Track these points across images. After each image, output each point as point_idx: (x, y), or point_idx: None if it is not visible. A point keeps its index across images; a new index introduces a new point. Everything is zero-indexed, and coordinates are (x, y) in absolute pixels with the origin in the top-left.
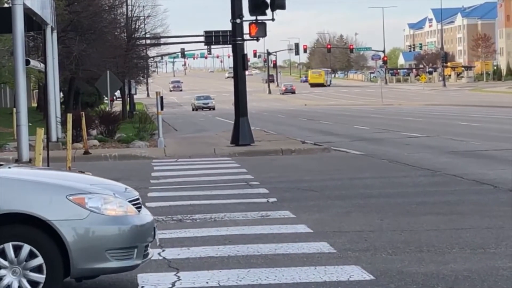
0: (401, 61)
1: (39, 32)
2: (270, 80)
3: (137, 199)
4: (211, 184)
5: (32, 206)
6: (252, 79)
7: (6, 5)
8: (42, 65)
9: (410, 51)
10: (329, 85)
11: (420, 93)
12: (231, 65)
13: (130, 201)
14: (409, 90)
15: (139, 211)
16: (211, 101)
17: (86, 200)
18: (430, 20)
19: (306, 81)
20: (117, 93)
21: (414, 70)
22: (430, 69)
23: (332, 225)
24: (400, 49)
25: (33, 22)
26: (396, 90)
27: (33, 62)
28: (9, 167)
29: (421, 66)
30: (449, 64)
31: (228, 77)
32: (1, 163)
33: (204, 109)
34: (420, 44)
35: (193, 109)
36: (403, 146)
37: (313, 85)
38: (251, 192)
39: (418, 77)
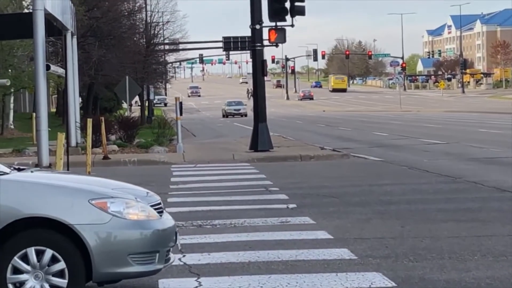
0: (419, 67)
1: (59, 38)
2: (278, 85)
3: (159, 203)
4: (230, 190)
5: (54, 210)
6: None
7: (26, 10)
8: (62, 70)
9: (429, 57)
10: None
11: (439, 100)
12: (249, 70)
13: (152, 206)
14: (427, 96)
15: (160, 215)
16: (243, 107)
17: (108, 204)
18: (449, 26)
19: (316, 86)
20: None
21: (432, 76)
22: (449, 76)
23: (353, 231)
24: (419, 55)
25: (53, 27)
26: (414, 97)
27: (53, 67)
28: (31, 171)
29: (440, 72)
30: (468, 70)
31: (242, 82)
32: (23, 167)
33: (235, 116)
34: (439, 50)
35: (223, 116)
36: (422, 153)
37: (335, 90)
38: (270, 198)
39: (437, 83)
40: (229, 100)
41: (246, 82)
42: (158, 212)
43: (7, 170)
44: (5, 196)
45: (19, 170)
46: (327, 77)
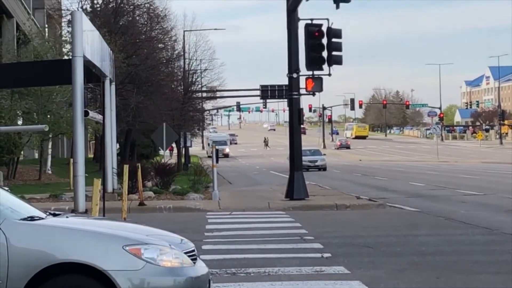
0: (457, 118)
1: (98, 84)
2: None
3: (193, 250)
4: (265, 238)
5: (88, 255)
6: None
7: (66, 57)
8: (100, 116)
9: (466, 108)
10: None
11: (477, 151)
12: (286, 119)
13: (185, 253)
14: (465, 147)
15: (194, 263)
16: (321, 157)
17: (142, 250)
18: (487, 77)
19: (333, 133)
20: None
21: (470, 127)
22: (487, 127)
23: (387, 282)
24: (457, 106)
25: (92, 74)
26: (452, 147)
27: (91, 114)
28: (67, 217)
29: (477, 123)
30: (506, 122)
31: (270, 129)
32: (59, 212)
33: (310, 169)
34: (477, 101)
35: None
36: (459, 204)
37: (357, 137)
38: (305, 247)
39: (475, 134)
40: (302, 149)
41: (274, 129)
42: (192, 259)
43: (42, 215)
44: (40, 241)
45: (54, 215)
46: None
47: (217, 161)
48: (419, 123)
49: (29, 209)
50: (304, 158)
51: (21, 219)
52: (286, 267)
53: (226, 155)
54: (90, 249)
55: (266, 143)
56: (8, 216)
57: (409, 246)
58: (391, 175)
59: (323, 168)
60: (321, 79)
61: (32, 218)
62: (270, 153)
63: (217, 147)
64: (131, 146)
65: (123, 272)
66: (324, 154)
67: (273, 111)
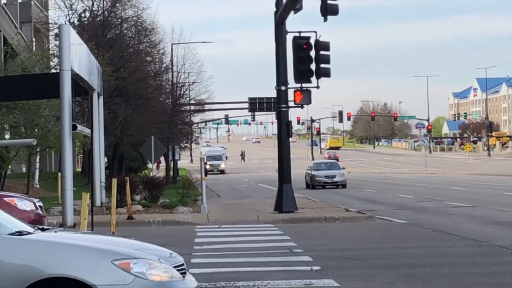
0: (445, 130)
1: (85, 98)
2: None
3: (182, 264)
4: (254, 251)
5: (77, 270)
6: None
7: (54, 70)
8: (88, 130)
9: (454, 120)
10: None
11: (465, 162)
12: (275, 131)
13: (175, 267)
14: (453, 159)
15: (183, 276)
16: (339, 172)
17: (131, 265)
18: (475, 89)
19: (313, 144)
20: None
21: (458, 139)
22: (475, 139)
23: None
24: (445, 118)
25: (80, 87)
26: (440, 159)
27: (79, 127)
28: (55, 231)
29: (465, 135)
30: (494, 133)
31: (255, 142)
32: (47, 227)
33: (327, 185)
34: (465, 113)
35: (308, 185)
36: (448, 216)
37: (332, 148)
38: (294, 260)
39: (463, 146)
40: (317, 161)
41: (259, 142)
42: (181, 273)
43: (31, 229)
44: (29, 256)
45: (43, 230)
46: (352, 138)
47: (205, 174)
48: (407, 135)
49: (17, 224)
50: (319, 173)
51: (9, 234)
52: (275, 280)
53: (222, 171)
54: (79, 264)
55: (242, 156)
56: None
57: (398, 259)
58: (380, 187)
59: (342, 185)
60: (309, 91)
61: (20, 233)
62: (259, 165)
63: (211, 162)
64: (119, 159)
65: (112, 287)
66: (343, 168)
67: (261, 123)
